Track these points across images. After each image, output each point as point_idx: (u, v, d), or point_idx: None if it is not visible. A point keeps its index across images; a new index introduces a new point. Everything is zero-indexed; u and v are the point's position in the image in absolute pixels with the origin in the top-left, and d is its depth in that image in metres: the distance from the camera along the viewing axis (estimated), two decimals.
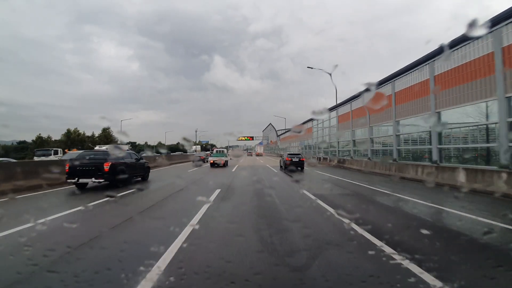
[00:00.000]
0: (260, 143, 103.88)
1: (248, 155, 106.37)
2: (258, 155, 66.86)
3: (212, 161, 20.83)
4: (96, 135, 57.34)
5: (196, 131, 79.85)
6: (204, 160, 26.27)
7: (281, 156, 23.17)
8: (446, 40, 12.46)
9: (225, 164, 21.07)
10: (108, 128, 57.00)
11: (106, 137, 56.52)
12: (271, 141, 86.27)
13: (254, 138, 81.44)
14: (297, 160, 18.16)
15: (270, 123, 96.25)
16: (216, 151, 23.09)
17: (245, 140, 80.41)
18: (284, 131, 67.20)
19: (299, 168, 18.02)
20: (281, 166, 20.06)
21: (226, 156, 22.01)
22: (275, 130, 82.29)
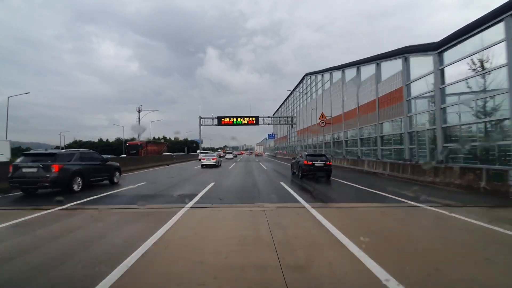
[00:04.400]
0: (271, 136, 68.18)
1: (248, 154, 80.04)
2: (257, 155, 62.07)
3: None
4: None
5: (139, 111, 44.57)
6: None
7: (294, 159, 15.77)
8: None
9: None
10: None
11: None
12: (322, 116, 27.31)
13: (260, 119, 45.21)
14: (322, 164, 12.45)
15: (306, 75, 39.49)
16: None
17: (241, 123, 44.42)
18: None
19: (323, 177, 12.68)
20: (293, 172, 14.73)
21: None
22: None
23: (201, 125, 43.54)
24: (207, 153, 29.08)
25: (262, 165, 24.44)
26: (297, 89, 45.33)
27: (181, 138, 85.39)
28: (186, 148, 75.99)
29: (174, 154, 44.86)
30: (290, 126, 47.96)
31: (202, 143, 51.82)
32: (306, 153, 13.92)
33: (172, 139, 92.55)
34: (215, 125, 43.06)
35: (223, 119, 43.06)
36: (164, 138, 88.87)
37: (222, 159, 34.48)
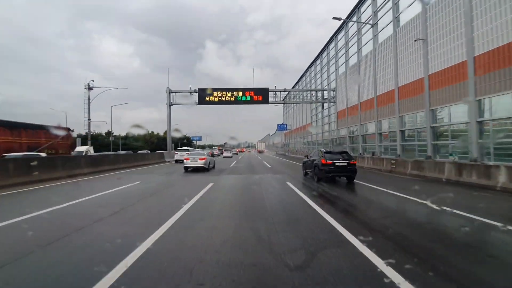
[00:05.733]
0: (281, 127, 51.46)
1: (248, 152, 74.44)
2: (259, 152, 59.45)
3: None
4: None
5: (88, 88, 26.73)
6: None
7: (306, 157, 12.97)
8: None
9: None
10: None
11: None
12: None
13: (271, 95, 26.92)
14: (344, 164, 9.95)
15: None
16: None
17: (240, 100, 26.19)
18: None
19: (346, 179, 10.38)
20: (305, 173, 12.48)
21: None
22: None
23: (171, 104, 25.82)
24: (188, 150, 23.22)
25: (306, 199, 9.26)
26: (347, 24, 25.84)
27: (179, 134, 71.95)
28: (174, 145, 61.88)
29: (124, 152, 27.49)
30: (321, 107, 29.73)
31: (194, 139, 35.17)
32: (324, 150, 11.52)
33: (161, 134, 77.48)
34: (195, 103, 25.25)
35: (208, 96, 25.15)
36: (151, 132, 72.81)
37: (217, 158, 25.69)
